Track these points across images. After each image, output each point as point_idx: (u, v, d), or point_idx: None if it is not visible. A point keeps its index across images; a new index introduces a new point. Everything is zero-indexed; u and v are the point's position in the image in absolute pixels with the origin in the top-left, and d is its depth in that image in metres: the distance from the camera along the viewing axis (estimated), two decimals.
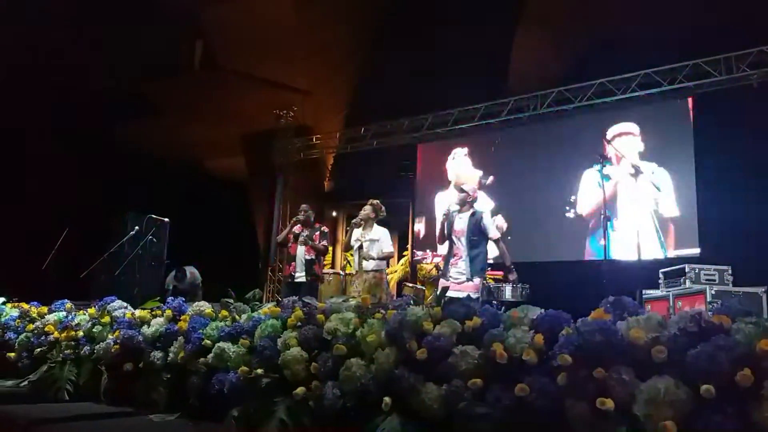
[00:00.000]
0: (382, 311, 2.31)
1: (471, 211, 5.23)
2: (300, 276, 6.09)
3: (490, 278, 7.72)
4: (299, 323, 2.44)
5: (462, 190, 5.31)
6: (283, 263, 6.32)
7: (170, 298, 3.18)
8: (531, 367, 1.83)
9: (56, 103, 10.24)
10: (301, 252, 6.14)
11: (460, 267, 5.05)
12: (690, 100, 7.87)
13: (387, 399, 1.98)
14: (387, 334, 2.11)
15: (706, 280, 4.74)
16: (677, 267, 5.01)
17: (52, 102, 10.20)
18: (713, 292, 4.54)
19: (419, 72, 10.57)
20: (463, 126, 9.99)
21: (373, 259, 5.84)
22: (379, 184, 10.41)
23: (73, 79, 10.27)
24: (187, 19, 10.88)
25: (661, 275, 5.28)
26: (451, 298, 2.38)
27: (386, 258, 5.91)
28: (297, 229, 6.29)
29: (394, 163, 11.25)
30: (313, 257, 6.14)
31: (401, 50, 10.80)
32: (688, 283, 4.78)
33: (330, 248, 12.51)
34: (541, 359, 1.85)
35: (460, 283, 4.98)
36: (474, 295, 4.78)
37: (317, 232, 6.28)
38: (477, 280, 5.01)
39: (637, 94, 8.23)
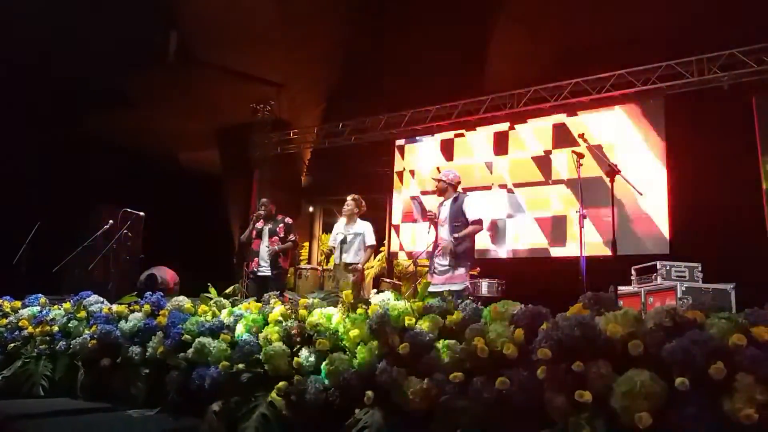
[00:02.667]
0: (365, 306, 2.32)
1: (454, 196, 4.98)
2: (264, 269, 5.96)
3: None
4: (281, 318, 2.45)
5: (438, 180, 5.07)
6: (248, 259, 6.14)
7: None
8: (511, 361, 1.87)
9: (27, 93, 10.00)
10: (264, 246, 6.02)
11: (444, 257, 4.76)
12: (663, 100, 8.02)
13: (369, 393, 2.01)
14: (369, 328, 2.13)
15: (677, 276, 4.85)
16: (649, 264, 5.12)
17: (22, 92, 9.95)
18: (683, 289, 4.65)
19: (397, 68, 10.58)
20: (441, 123, 10.04)
21: (355, 252, 5.85)
22: (356, 180, 10.40)
23: (44, 69, 10.05)
24: (163, 9, 10.71)
25: (633, 272, 5.38)
26: (432, 292, 2.40)
27: (369, 250, 5.88)
28: (259, 224, 6.16)
29: (371, 159, 11.24)
30: (276, 248, 6.01)
31: (380, 46, 10.79)
32: (659, 280, 4.89)
33: (306, 244, 12.49)
34: (522, 353, 1.89)
35: (444, 273, 4.72)
36: (459, 287, 4.63)
37: (281, 225, 6.14)
38: (462, 270, 4.71)
39: (611, 94, 8.36)
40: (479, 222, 4.90)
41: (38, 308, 3.55)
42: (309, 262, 11.81)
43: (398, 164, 10.64)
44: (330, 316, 2.32)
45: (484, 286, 6.10)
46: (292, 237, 6.11)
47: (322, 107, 12.30)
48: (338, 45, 11.55)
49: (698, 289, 4.65)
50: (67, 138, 10.57)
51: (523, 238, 8.79)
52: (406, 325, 2.12)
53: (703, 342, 1.56)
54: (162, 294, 7.84)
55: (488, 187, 9.37)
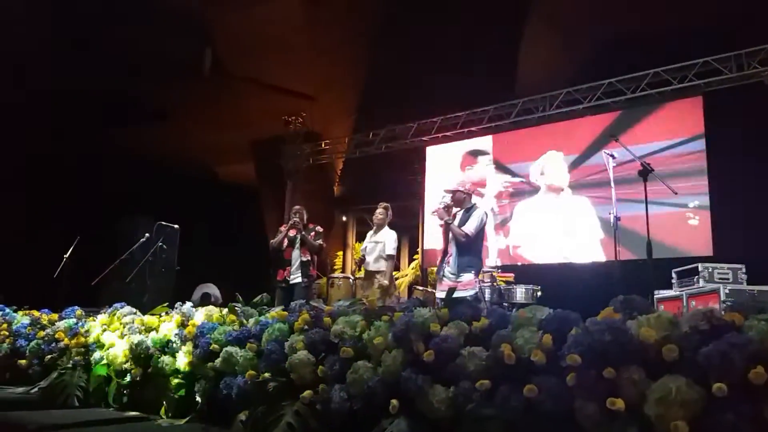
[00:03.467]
0: (389, 314, 2.29)
1: (468, 206, 5.03)
2: (295, 278, 5.94)
3: (501, 280, 7.68)
4: (306, 327, 2.43)
5: (455, 190, 5.10)
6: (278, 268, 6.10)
7: None
8: (539, 368, 1.80)
9: (66, 110, 10.33)
10: (297, 254, 6.00)
11: (451, 266, 4.85)
12: (701, 98, 7.78)
13: (394, 401, 1.96)
14: (394, 336, 2.09)
15: (720, 279, 4.67)
16: (690, 266, 4.95)
17: (62, 110, 10.28)
18: (727, 291, 4.46)
19: (427, 75, 10.56)
20: (472, 129, 9.96)
21: (377, 259, 5.84)
22: (389, 188, 10.39)
23: (83, 85, 10.36)
24: (197, 26, 10.96)
25: (674, 275, 5.21)
26: (455, 299, 2.36)
27: (387, 259, 5.82)
28: (292, 232, 6.15)
29: (402, 167, 11.23)
30: (309, 258, 6.01)
31: (409, 53, 10.79)
32: (701, 283, 4.71)
33: (339, 253, 12.52)
34: (550, 360, 1.82)
35: (451, 280, 4.75)
36: (467, 293, 4.62)
37: (312, 233, 6.13)
38: (465, 277, 4.75)
39: (646, 93, 8.16)
40: (471, 237, 4.86)
41: (74, 320, 3.62)
42: (343, 271, 11.82)
43: (429, 171, 10.59)
44: (355, 324, 2.29)
45: (519, 293, 6.00)
46: (319, 241, 6.11)
47: (354, 117, 12.37)
48: (368, 55, 11.62)
49: (743, 292, 4.46)
50: (106, 153, 10.86)
51: (561, 243, 8.62)
52: (431, 331, 2.07)
53: (742, 345, 1.48)
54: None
55: (523, 190, 9.25)
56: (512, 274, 6.18)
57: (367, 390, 2.03)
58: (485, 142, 10.02)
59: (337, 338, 2.26)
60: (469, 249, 4.82)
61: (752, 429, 1.42)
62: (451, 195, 5.04)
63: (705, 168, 7.55)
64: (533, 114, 9.32)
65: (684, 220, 7.55)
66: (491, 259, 8.89)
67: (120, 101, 11.08)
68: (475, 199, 5.20)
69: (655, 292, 5.33)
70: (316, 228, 6.23)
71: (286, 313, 2.65)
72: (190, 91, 11.68)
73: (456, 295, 3.63)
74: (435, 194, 10.40)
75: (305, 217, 6.27)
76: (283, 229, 6.26)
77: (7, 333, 3.87)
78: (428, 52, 10.50)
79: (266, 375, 2.35)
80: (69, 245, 6.79)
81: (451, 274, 4.78)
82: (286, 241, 6.06)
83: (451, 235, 4.91)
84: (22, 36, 9.57)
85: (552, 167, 9.08)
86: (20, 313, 4.22)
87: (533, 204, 9.11)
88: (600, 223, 8.19)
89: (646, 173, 3.83)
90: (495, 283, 6.21)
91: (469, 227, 4.81)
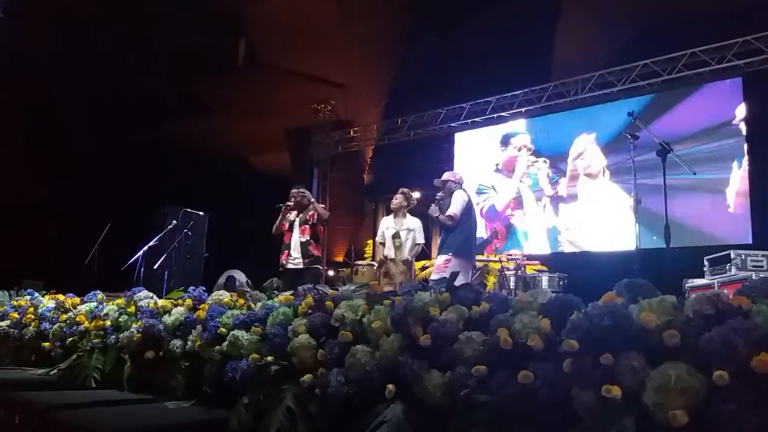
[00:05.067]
0: (391, 298, 2.25)
1: (452, 192, 5.12)
2: (296, 261, 5.76)
3: (530, 268, 7.54)
4: (309, 311, 2.41)
5: (441, 182, 5.21)
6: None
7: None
8: (537, 354, 1.74)
9: (100, 101, 10.56)
10: (296, 236, 5.82)
11: (439, 248, 4.96)
12: (740, 79, 7.46)
13: (390, 386, 1.93)
14: (392, 320, 2.05)
15: (753, 266, 4.46)
16: (722, 254, 4.75)
17: (96, 100, 10.51)
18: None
19: (456, 60, 10.42)
20: (502, 114, 9.80)
21: (411, 248, 5.82)
22: (418, 175, 10.32)
23: (119, 77, 10.57)
24: (229, 17, 11.05)
25: (706, 262, 5.02)
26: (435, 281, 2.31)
27: (416, 248, 5.82)
28: (292, 216, 5.98)
29: (433, 154, 11.14)
30: (308, 238, 5.77)
31: (438, 38, 10.66)
32: (733, 270, 4.52)
33: (369, 241, 12.51)
34: (549, 345, 1.75)
35: (438, 264, 4.85)
36: (435, 277, 4.63)
37: (311, 212, 5.91)
38: (439, 259, 4.81)
39: (683, 74, 7.88)
40: (452, 218, 4.88)
41: (95, 304, 3.69)
42: (373, 259, 11.83)
43: (459, 158, 10.47)
44: (356, 308, 2.26)
45: (545, 281, 5.89)
46: (322, 207, 5.97)
47: (383, 104, 12.31)
48: (397, 41, 11.53)
49: None
50: (141, 143, 11.07)
51: (588, 229, 8.43)
52: (430, 316, 2.02)
53: (746, 331, 1.38)
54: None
55: (558, 176, 9.05)
56: (537, 262, 6.06)
57: (365, 374, 2.00)
58: (516, 127, 9.85)
59: (338, 322, 2.23)
60: (452, 230, 4.85)
61: (755, 420, 1.33)
62: (442, 185, 5.10)
63: (745, 152, 7.26)
64: (565, 98, 9.12)
65: (723, 206, 7.29)
66: (531, 246, 8.74)
67: (153, 94, 11.27)
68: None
69: (687, 280, 5.16)
70: (316, 206, 6.03)
71: (291, 297, 2.64)
72: (223, 82, 11.82)
73: (432, 277, 3.64)
74: (465, 181, 10.27)
75: (306, 198, 6.04)
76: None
77: (33, 317, 3.98)
78: (457, 36, 10.35)
79: (269, 358, 2.34)
80: (100, 233, 6.95)
81: (438, 257, 4.91)
82: (286, 225, 5.92)
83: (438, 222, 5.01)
84: (66, 32, 9.82)
85: (589, 153, 8.84)
86: (46, 297, 4.34)
87: (568, 190, 8.92)
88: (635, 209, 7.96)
89: (664, 153, 3.67)
90: (520, 272, 6.11)
91: (452, 209, 4.84)
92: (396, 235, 5.76)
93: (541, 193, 9.15)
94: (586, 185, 8.76)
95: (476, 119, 10.04)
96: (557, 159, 9.16)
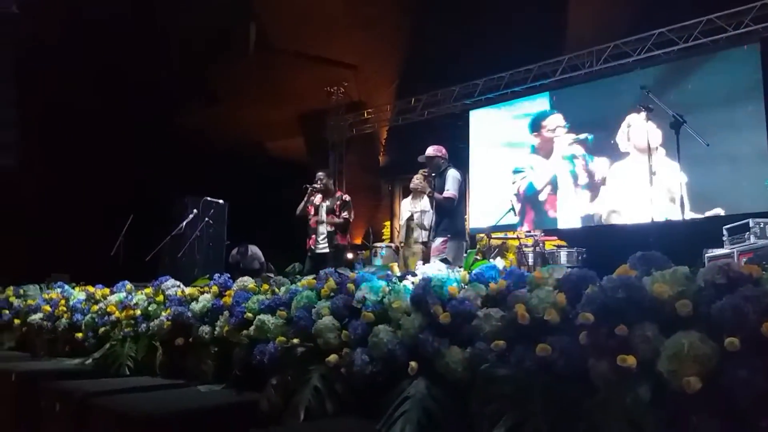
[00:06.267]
0: (411, 278, 2.31)
1: (442, 168, 5.10)
2: (322, 248, 5.88)
3: (549, 244, 7.55)
4: (331, 293, 2.49)
5: (427, 158, 5.21)
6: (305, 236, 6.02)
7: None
8: (554, 327, 1.79)
9: (118, 90, 10.67)
10: (323, 223, 5.93)
11: (433, 230, 4.94)
12: (758, 44, 7.33)
13: (413, 363, 2.00)
14: (412, 299, 2.12)
15: None
16: (741, 222, 4.73)
17: (113, 90, 10.62)
18: None
19: (467, 36, 10.32)
20: (516, 89, 9.73)
21: (425, 229, 5.81)
22: None
23: (134, 65, 10.65)
24: (240, 2, 11.08)
25: (725, 232, 5.00)
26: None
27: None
28: (317, 200, 6.07)
29: (448, 133, 11.10)
30: (334, 228, 5.93)
31: (448, 14, 10.56)
32: (752, 239, 4.50)
33: (387, 222, 12.58)
34: (565, 319, 1.80)
35: (435, 246, 4.82)
36: (437, 258, 4.58)
37: (338, 202, 6.02)
38: (437, 241, 4.79)
39: (699, 42, 7.75)
40: (450, 200, 4.86)
41: (124, 294, 3.81)
42: (391, 240, 11.90)
43: (474, 136, 10.43)
44: (377, 290, 2.32)
45: (563, 256, 5.91)
46: (345, 214, 6.01)
47: (395, 84, 12.27)
48: (407, 18, 11.45)
49: None
50: (157, 132, 11.19)
51: (607, 203, 8.39)
52: (450, 294, 2.09)
53: (756, 298, 1.42)
54: (261, 263, 8.23)
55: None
56: (555, 237, 6.07)
57: (387, 353, 2.07)
58: (539, 106, 9.75)
59: (360, 303, 2.31)
60: (448, 212, 4.82)
61: (767, 384, 1.37)
62: (429, 161, 5.04)
63: (765, 120, 7.15)
64: (580, 70, 9.02)
65: (742, 175, 7.21)
66: (564, 221, 8.60)
67: (169, 81, 11.36)
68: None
69: (707, 250, 5.15)
70: (343, 197, 6.10)
71: (314, 281, 2.71)
72: (235, 68, 11.87)
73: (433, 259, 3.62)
74: (481, 159, 10.27)
75: (330, 184, 6.13)
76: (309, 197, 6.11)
77: (65, 308, 4.11)
78: (468, 12, 10.24)
79: (295, 341, 2.43)
80: (124, 224, 7.10)
81: (432, 239, 4.82)
82: (312, 209, 5.99)
83: (434, 203, 4.90)
84: (76, 21, 9.91)
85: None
86: (77, 288, 4.47)
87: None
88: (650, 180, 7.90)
89: (678, 125, 3.66)
90: (538, 248, 6.13)
91: (451, 190, 4.80)
92: (411, 218, 5.81)
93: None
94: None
95: (490, 95, 9.99)
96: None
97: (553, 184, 9.07)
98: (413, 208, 5.88)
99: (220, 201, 7.07)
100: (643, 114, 5.35)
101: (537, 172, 9.34)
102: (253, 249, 8.61)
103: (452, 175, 4.97)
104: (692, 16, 7.71)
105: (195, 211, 6.76)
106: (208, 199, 6.84)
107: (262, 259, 8.87)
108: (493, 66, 9.76)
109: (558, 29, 9.72)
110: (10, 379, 3.14)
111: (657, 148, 7.45)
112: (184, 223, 6.71)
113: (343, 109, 11.85)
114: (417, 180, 5.98)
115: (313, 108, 12.70)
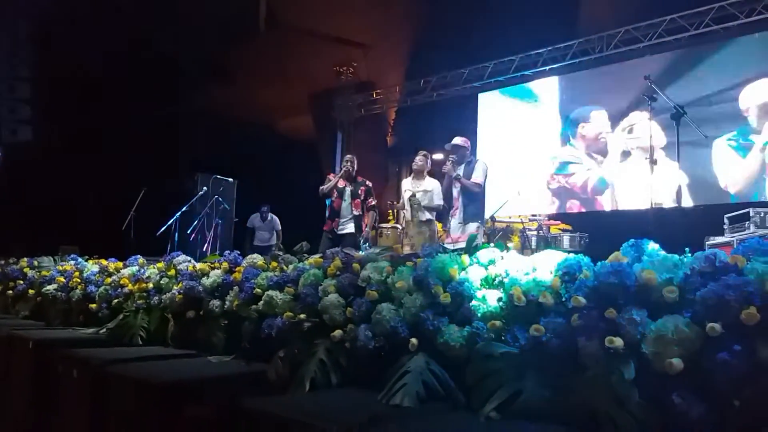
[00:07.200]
0: (413, 260, 2.41)
1: (468, 160, 5.49)
2: (346, 228, 5.96)
3: (554, 228, 7.63)
4: (338, 272, 2.59)
5: (453, 146, 5.54)
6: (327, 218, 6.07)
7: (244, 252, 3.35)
8: (548, 309, 1.89)
9: (130, 69, 10.74)
10: (347, 207, 6.01)
11: (457, 217, 5.26)
12: None
13: (413, 340, 2.10)
14: (414, 279, 2.22)
15: None
16: (742, 211, 4.79)
17: (126, 68, 10.69)
18: None
19: (477, 19, 10.29)
20: (526, 72, 9.73)
21: (429, 209, 5.88)
22: (442, 137, 10.34)
23: (145, 46, 10.71)
24: None
25: (725, 220, 5.06)
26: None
27: (435, 210, 5.86)
28: (341, 183, 6.12)
29: (456, 115, 11.12)
30: (360, 213, 6.05)
31: None
32: (752, 228, 4.57)
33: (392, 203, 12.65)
34: (559, 302, 1.90)
35: (458, 233, 5.15)
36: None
37: (362, 187, 6.11)
38: (471, 226, 5.13)
39: (711, 28, 7.72)
40: (479, 186, 5.29)
41: (137, 268, 3.93)
42: (397, 221, 11.99)
43: (482, 119, 10.46)
44: (381, 269, 2.42)
45: (566, 240, 5.99)
46: (372, 201, 6.14)
47: (405, 65, 12.27)
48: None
49: None
50: (169, 111, 11.28)
51: (611, 188, 8.43)
52: (450, 276, 2.18)
53: (737, 287, 1.51)
54: (277, 230, 8.29)
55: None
56: (559, 222, 6.15)
57: (390, 329, 2.17)
58: (541, 86, 9.76)
59: (364, 282, 2.41)
60: (476, 199, 5.19)
61: (744, 367, 1.47)
62: (455, 149, 5.36)
63: None
64: (590, 55, 9.01)
65: (745, 164, 7.24)
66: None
67: (178, 60, 11.40)
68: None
69: (708, 238, 5.22)
70: (366, 182, 6.18)
71: (321, 260, 2.81)
72: (246, 47, 11.88)
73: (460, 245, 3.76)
74: (489, 142, 10.30)
75: (355, 168, 6.23)
76: (332, 177, 6.24)
77: (79, 280, 4.24)
78: None
79: (302, 316, 2.54)
80: (135, 199, 7.22)
81: (459, 223, 5.10)
82: (335, 192, 6.09)
83: (460, 187, 5.25)
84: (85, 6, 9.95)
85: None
86: (90, 261, 4.60)
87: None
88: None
89: (678, 116, 3.72)
90: (541, 232, 6.21)
91: (478, 177, 5.15)
92: (413, 197, 5.88)
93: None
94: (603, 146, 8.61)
95: (500, 78, 9.99)
96: (581, 118, 9.00)
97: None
98: (415, 187, 5.92)
99: (230, 179, 7.17)
100: (645, 113, 5.40)
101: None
102: (273, 216, 8.74)
103: (481, 165, 5.38)
104: (704, 3, 7.68)
105: (205, 188, 6.87)
106: (218, 177, 6.94)
107: (279, 227, 8.90)
108: (504, 49, 9.75)
109: (569, 14, 9.68)
110: (28, 346, 3.27)
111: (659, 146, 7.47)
112: (194, 199, 6.82)
113: (352, 90, 11.88)
114: (420, 161, 6.05)
115: (322, 87, 12.73)
